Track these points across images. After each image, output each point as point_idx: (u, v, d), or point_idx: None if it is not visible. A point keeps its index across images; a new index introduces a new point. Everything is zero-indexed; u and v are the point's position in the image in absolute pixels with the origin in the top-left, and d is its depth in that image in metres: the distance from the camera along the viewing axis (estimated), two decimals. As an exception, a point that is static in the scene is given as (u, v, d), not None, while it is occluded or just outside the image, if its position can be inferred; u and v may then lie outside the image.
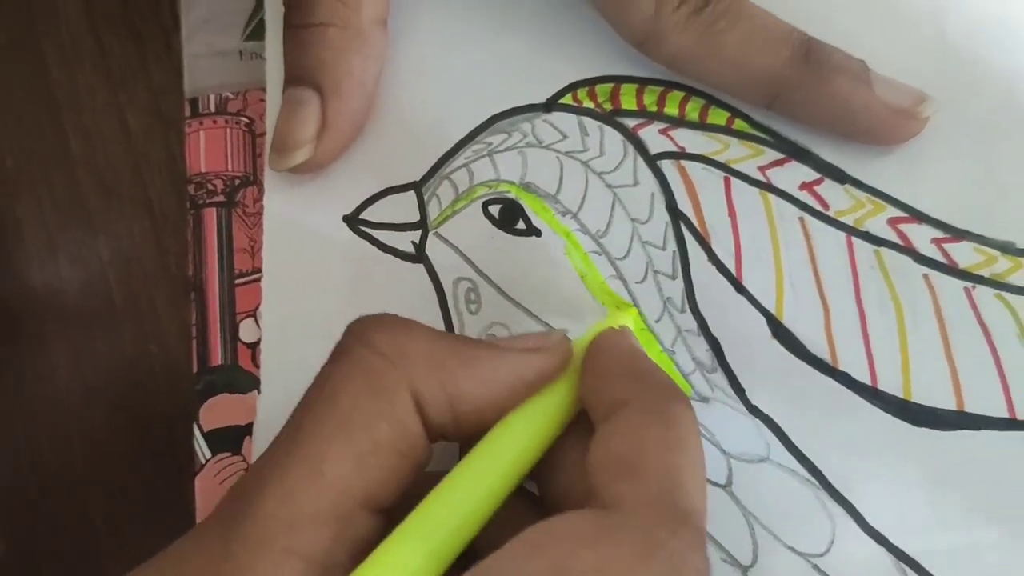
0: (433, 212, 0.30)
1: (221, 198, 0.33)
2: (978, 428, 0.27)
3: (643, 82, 0.30)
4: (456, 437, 0.24)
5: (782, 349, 0.28)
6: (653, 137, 0.30)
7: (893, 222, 0.29)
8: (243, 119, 0.33)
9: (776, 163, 0.29)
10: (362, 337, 0.24)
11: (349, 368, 0.24)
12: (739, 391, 0.28)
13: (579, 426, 0.25)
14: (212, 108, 0.33)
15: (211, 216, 0.32)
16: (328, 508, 0.22)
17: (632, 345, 0.26)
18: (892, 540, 0.27)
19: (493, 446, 0.24)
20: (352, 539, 0.22)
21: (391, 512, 0.23)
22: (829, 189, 0.29)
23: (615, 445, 0.23)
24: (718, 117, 0.30)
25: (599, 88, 0.31)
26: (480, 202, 0.30)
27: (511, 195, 0.30)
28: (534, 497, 0.25)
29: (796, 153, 0.29)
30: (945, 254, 0.28)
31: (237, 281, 0.32)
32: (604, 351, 0.25)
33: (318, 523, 0.22)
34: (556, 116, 0.31)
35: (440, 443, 0.24)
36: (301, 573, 0.21)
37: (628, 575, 0.20)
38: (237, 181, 0.33)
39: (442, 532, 0.22)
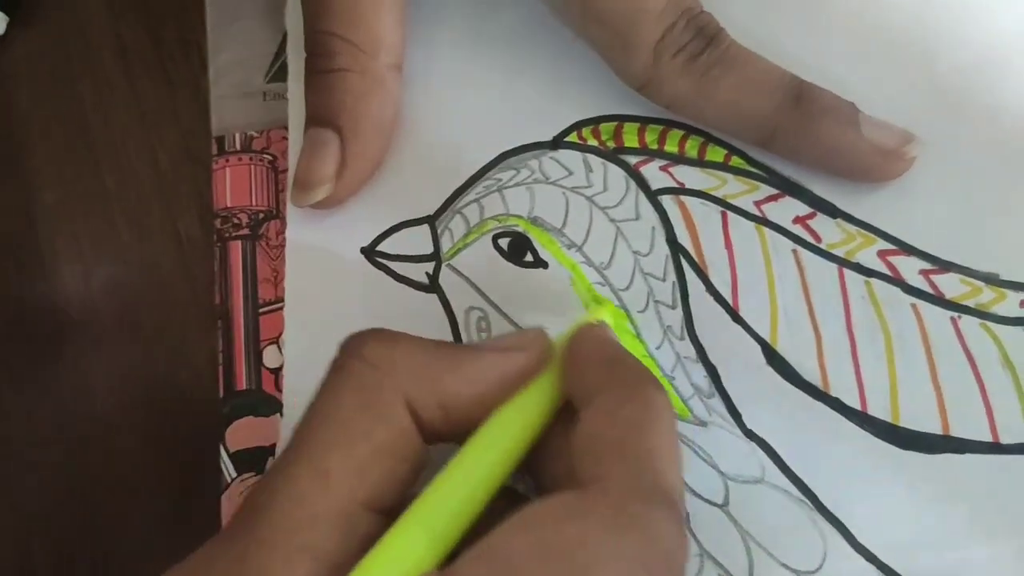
0: (446, 244, 0.31)
1: (246, 231, 0.34)
2: (963, 452, 0.28)
3: (644, 121, 0.31)
4: (451, 437, 0.25)
5: (776, 376, 0.29)
6: (654, 173, 0.31)
7: (883, 254, 0.29)
8: (267, 156, 0.34)
9: (771, 198, 0.30)
10: (355, 351, 0.25)
11: (346, 381, 0.25)
12: (735, 415, 0.29)
13: (566, 417, 0.25)
14: (238, 146, 0.34)
15: (236, 248, 0.34)
16: (334, 510, 0.23)
17: (608, 337, 0.27)
18: (881, 557, 0.27)
19: (484, 438, 0.25)
20: (358, 537, 0.23)
21: (393, 511, 0.24)
22: (821, 223, 0.30)
23: (594, 429, 0.24)
24: (716, 154, 0.31)
25: (603, 127, 0.31)
26: (490, 235, 0.31)
27: (519, 229, 0.31)
28: (528, 500, 0.26)
29: (790, 188, 0.30)
30: (932, 285, 0.29)
31: (261, 310, 0.33)
32: (583, 343, 0.26)
33: (325, 524, 0.23)
34: (562, 153, 0.31)
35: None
36: (312, 570, 0.22)
37: (606, 547, 0.21)
38: (261, 215, 0.34)
39: (441, 520, 0.23)
